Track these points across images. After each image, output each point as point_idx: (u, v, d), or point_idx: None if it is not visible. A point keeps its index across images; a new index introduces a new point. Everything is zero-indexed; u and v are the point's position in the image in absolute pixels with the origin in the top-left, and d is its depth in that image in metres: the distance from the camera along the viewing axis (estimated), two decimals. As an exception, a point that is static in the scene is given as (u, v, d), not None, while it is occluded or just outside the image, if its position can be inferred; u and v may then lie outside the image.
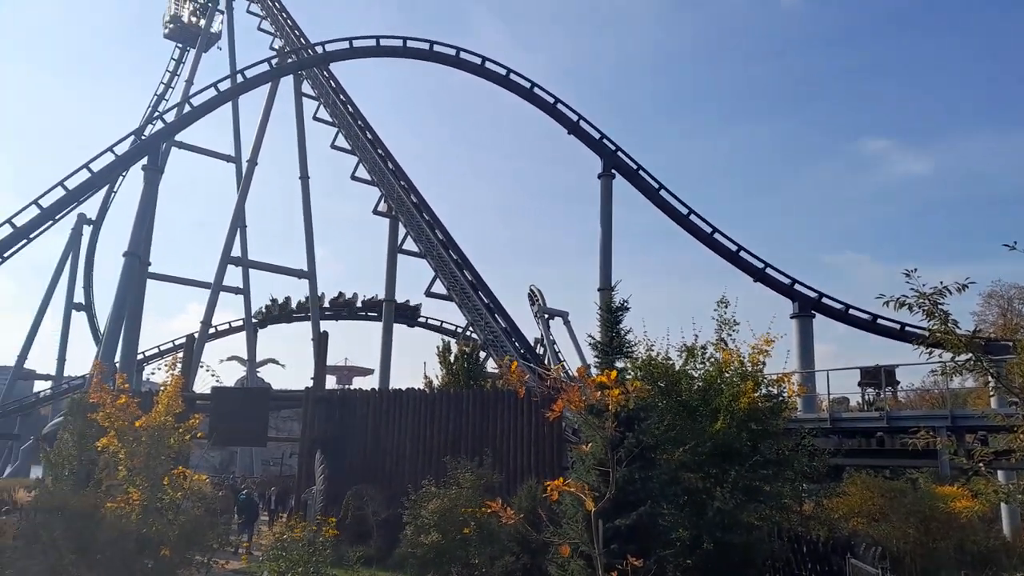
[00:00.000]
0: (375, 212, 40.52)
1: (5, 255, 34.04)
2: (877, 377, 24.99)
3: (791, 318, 33.98)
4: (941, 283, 9.19)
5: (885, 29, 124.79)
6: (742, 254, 35.53)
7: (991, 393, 15.09)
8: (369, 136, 43.08)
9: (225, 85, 38.35)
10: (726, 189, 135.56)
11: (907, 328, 27.40)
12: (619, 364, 13.84)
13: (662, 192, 36.93)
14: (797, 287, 34.63)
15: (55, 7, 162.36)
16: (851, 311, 33.92)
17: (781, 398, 14.90)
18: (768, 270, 35.18)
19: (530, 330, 40.40)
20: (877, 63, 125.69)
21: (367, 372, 67.48)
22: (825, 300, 34.28)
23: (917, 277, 9.28)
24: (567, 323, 43.60)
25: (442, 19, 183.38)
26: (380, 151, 42.49)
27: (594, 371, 11.26)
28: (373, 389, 23.78)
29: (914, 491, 17.43)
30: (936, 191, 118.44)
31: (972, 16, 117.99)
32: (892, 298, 9.46)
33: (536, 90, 38.62)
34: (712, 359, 14.61)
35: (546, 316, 42.73)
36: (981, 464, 10.78)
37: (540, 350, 39.28)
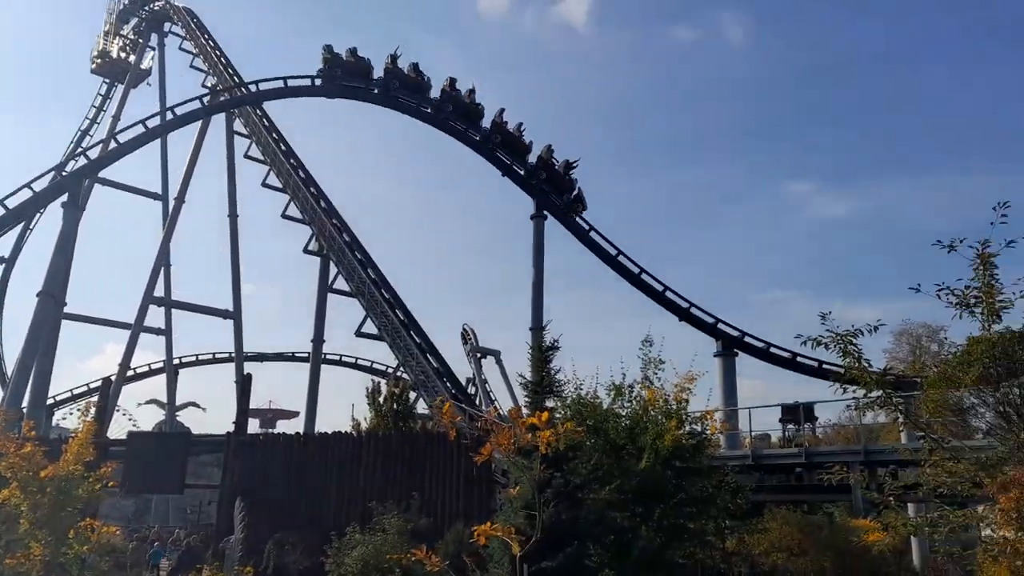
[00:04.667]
0: (306, 251, 39.91)
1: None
2: (797, 414, 25.75)
3: (715, 356, 34.90)
4: (853, 326, 9.85)
5: (811, 80, 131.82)
6: (668, 294, 36.41)
7: (901, 428, 15.78)
8: (302, 175, 42.62)
9: (154, 122, 37.47)
10: (659, 233, 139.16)
11: (825, 365, 28.33)
12: (549, 403, 13.97)
13: (592, 234, 37.71)
14: (720, 326, 35.65)
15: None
16: (772, 349, 35.02)
17: (704, 435, 15.23)
18: (693, 310, 36.13)
19: (463, 370, 40.22)
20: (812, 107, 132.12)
21: (293, 415, 65.51)
22: (747, 339, 35.34)
23: (832, 319, 9.90)
24: (499, 362, 43.55)
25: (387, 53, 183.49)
26: (312, 190, 42.06)
27: (525, 411, 11.32)
28: (298, 433, 23.20)
29: (830, 525, 17.93)
30: (855, 232, 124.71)
31: (886, 69, 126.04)
32: (809, 338, 10.01)
33: (470, 132, 39.19)
34: (638, 397, 14.88)
35: (478, 355, 42.57)
36: (891, 498, 11.20)
37: (472, 389, 39.06)
